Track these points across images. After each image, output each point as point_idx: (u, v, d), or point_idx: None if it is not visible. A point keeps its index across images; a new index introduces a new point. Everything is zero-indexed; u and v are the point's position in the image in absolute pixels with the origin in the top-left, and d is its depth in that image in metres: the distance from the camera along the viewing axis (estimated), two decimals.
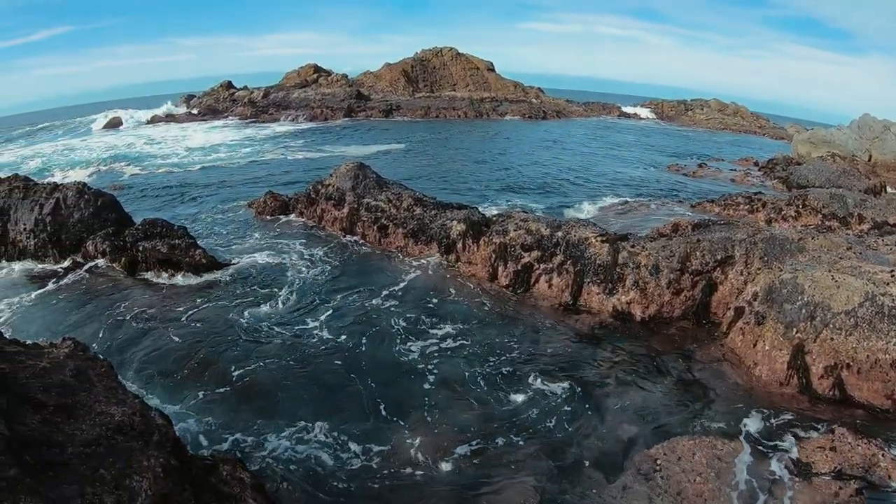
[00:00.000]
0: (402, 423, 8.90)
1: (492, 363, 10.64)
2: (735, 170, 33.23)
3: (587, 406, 9.34)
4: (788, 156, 36.61)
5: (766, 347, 10.00)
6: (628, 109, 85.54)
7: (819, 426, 8.65)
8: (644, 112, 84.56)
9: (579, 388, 9.79)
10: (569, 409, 9.26)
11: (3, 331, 6.39)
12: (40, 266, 15.84)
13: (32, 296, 13.86)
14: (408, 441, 8.48)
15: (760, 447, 8.22)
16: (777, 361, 9.80)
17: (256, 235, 18.68)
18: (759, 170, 32.77)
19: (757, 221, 18.40)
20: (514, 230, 14.36)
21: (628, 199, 23.80)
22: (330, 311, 12.78)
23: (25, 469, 4.27)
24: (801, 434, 8.47)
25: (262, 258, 16.34)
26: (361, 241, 17.70)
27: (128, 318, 12.63)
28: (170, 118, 68.55)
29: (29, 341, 6.34)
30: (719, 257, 12.10)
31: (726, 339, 11.03)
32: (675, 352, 11.08)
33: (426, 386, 9.94)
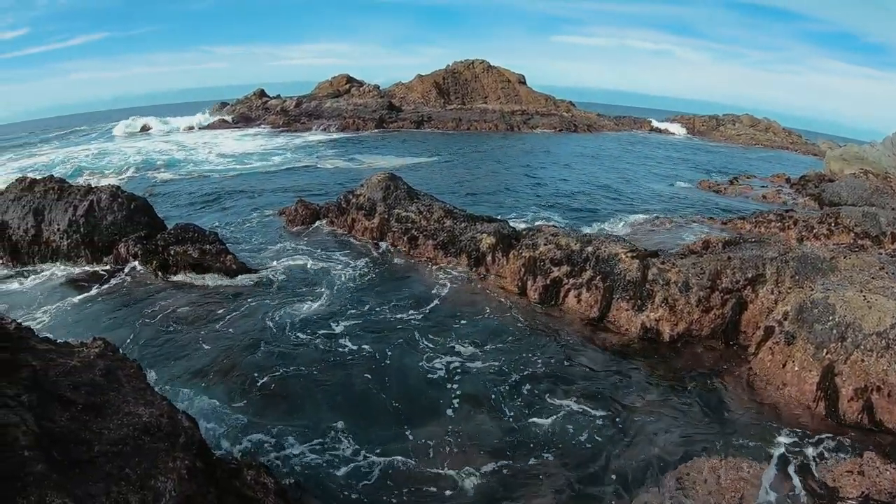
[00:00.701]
0: (427, 437, 8.90)
1: (518, 378, 10.61)
2: (766, 186, 32.88)
3: (613, 424, 9.29)
4: (820, 173, 36.13)
5: (796, 368, 9.91)
6: (660, 124, 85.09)
7: (847, 450, 8.54)
8: (675, 127, 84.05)
9: (606, 406, 9.75)
10: (595, 426, 9.22)
11: (34, 329, 6.47)
12: (77, 269, 16.17)
13: (69, 299, 14.14)
14: (432, 455, 8.50)
15: (786, 470, 8.14)
16: (806, 382, 9.69)
17: (286, 243, 18.91)
18: (791, 187, 32.41)
19: (788, 239, 18.24)
20: (544, 244, 14.42)
21: (659, 215, 23.67)
22: (358, 320, 12.88)
23: (53, 465, 4.37)
24: (829, 457, 8.38)
25: (291, 266, 16.54)
26: (391, 252, 17.82)
27: (157, 321, 12.88)
28: (203, 126, 69.63)
29: (60, 340, 6.46)
30: (750, 275, 12.02)
31: (755, 359, 10.90)
32: (702, 371, 11.00)
33: (451, 399, 9.92)
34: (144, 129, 67.76)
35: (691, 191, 33.10)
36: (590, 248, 13.84)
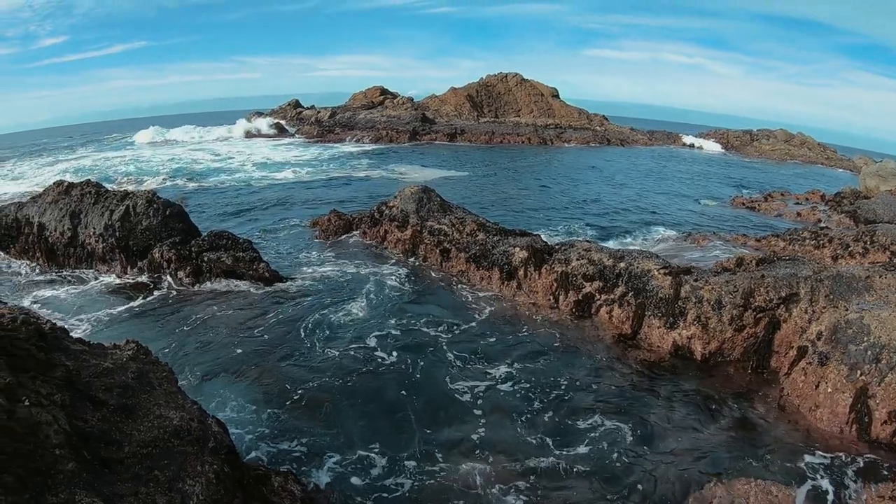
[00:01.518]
0: (456, 451, 8.92)
1: (548, 395, 10.61)
2: (801, 203, 32.56)
3: (643, 443, 9.27)
4: (856, 189, 35.65)
5: (829, 389, 9.82)
6: (693, 139, 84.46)
7: (881, 474, 8.45)
8: (709, 142, 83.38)
9: (636, 425, 9.73)
10: (624, 445, 9.21)
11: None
12: (115, 279, 16.51)
13: (106, 308, 14.42)
14: (460, 470, 8.50)
15: (818, 494, 8.08)
16: (839, 404, 9.60)
17: (319, 253, 19.21)
18: (826, 203, 32.03)
19: (823, 258, 18.10)
20: (577, 259, 14.49)
21: (692, 231, 23.62)
22: (389, 333, 12.98)
23: (83, 464, 4.48)
24: (861, 481, 8.29)
25: (323, 276, 16.76)
26: (423, 264, 17.98)
27: (191, 328, 13.16)
28: (237, 135, 70.70)
29: (93, 341, 6.58)
30: (784, 294, 11.93)
31: (787, 380, 10.81)
32: (734, 390, 10.95)
33: (481, 414, 9.94)
34: (167, 140, 68.98)
35: (725, 207, 32.97)
36: (622, 264, 13.88)
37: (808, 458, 8.84)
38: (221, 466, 5.55)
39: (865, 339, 9.87)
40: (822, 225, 25.57)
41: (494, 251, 16.27)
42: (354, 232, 21.22)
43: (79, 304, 14.52)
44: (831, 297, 11.59)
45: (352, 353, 12.00)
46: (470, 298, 15.11)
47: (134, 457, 4.98)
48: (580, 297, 14.02)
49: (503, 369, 11.50)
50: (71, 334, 6.32)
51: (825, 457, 8.86)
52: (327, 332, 12.92)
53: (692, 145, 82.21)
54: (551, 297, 14.50)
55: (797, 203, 32.67)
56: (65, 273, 17.02)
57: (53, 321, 6.15)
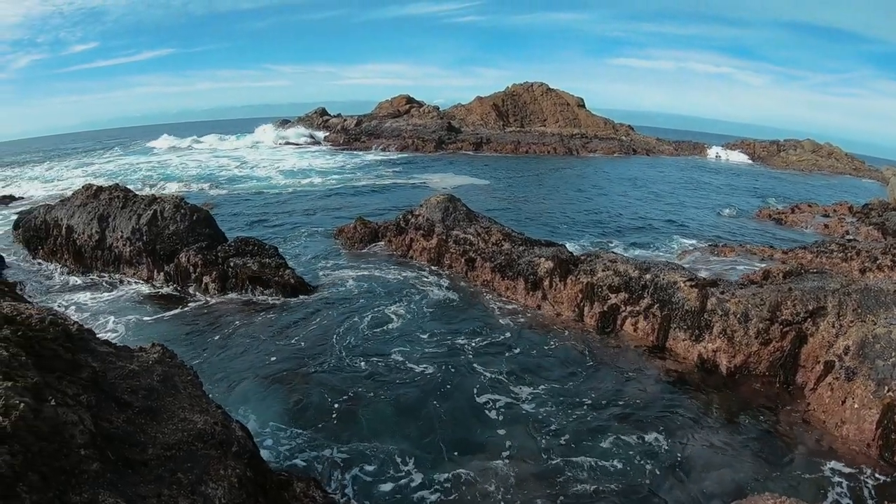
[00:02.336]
0: (481, 462, 8.97)
1: (574, 408, 10.64)
2: (828, 215, 32.24)
3: (667, 457, 9.30)
4: (884, 201, 35.22)
5: (855, 405, 9.80)
6: (719, 150, 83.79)
7: None
8: (735, 153, 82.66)
9: (661, 438, 9.76)
10: (650, 458, 9.23)
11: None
12: (145, 288, 16.77)
13: (134, 314, 14.72)
14: (485, 482, 8.54)
15: None
16: (865, 421, 9.57)
17: (344, 261, 19.47)
18: (854, 215, 31.67)
19: (850, 271, 17.98)
20: (602, 270, 14.57)
21: (718, 243, 23.53)
22: (414, 343, 13.13)
23: (107, 464, 4.49)
24: (888, 500, 8.25)
25: (349, 284, 16.95)
26: (448, 273, 18.11)
27: (217, 335, 13.46)
28: (264, 142, 71.94)
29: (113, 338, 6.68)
30: (811, 308, 11.92)
31: (813, 395, 10.81)
32: (759, 405, 10.95)
33: (507, 429, 9.94)
34: (192, 147, 70.53)
35: (751, 218, 32.77)
36: (648, 276, 13.94)
37: (834, 474, 8.85)
38: (244, 471, 5.61)
39: (893, 354, 9.84)
40: (850, 237, 25.33)
41: (520, 261, 16.40)
42: (380, 241, 21.42)
43: (106, 310, 14.82)
44: (859, 310, 11.57)
45: (380, 363, 12.14)
46: (495, 309, 15.24)
47: (157, 459, 5.00)
48: (605, 309, 14.10)
49: (529, 382, 11.55)
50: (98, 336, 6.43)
51: (852, 473, 8.87)
52: (353, 342, 13.09)
53: (718, 156, 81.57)
54: (576, 309, 14.59)
55: (824, 215, 32.36)
56: (93, 277, 17.47)
57: (80, 323, 6.25)
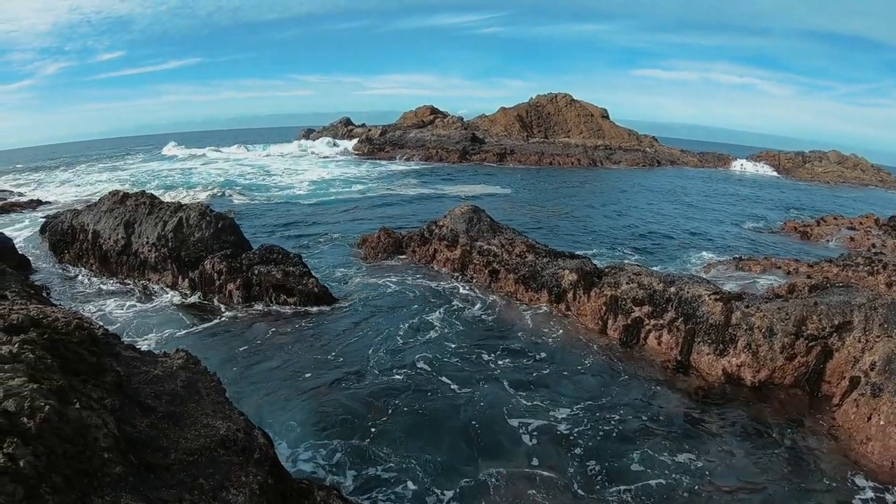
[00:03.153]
0: (509, 478, 8.87)
1: (601, 426, 10.50)
2: (854, 228, 31.78)
3: (694, 472, 9.19)
4: None
5: (881, 422, 9.61)
6: (744, 161, 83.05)
7: None
8: (760, 164, 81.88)
9: (687, 453, 9.65)
10: (676, 474, 9.12)
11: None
12: (171, 298, 16.92)
13: (165, 320, 14.99)
14: (511, 499, 8.43)
15: None
16: (892, 438, 9.38)
17: (368, 270, 19.51)
18: (880, 228, 31.13)
19: (877, 285, 17.70)
20: (627, 283, 14.47)
21: (742, 256, 23.27)
22: (438, 355, 13.06)
23: (129, 468, 4.50)
24: None
25: (373, 294, 16.98)
26: (472, 284, 18.04)
27: (243, 342, 13.55)
28: (288, 151, 72.78)
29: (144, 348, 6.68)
30: (837, 322, 11.74)
31: (839, 411, 10.65)
32: (784, 420, 10.80)
33: (536, 441, 9.87)
34: (212, 155, 71.25)
35: (776, 231, 32.44)
36: (672, 289, 13.82)
37: (859, 492, 8.71)
38: (266, 478, 5.57)
39: None
40: (877, 250, 24.98)
41: (544, 273, 16.35)
42: (404, 251, 21.44)
43: (132, 318, 14.98)
44: (886, 325, 11.40)
45: (406, 374, 12.13)
46: (519, 320, 15.16)
47: (180, 464, 5.01)
48: (629, 322, 13.99)
49: (558, 397, 11.44)
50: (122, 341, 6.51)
51: (878, 491, 8.71)
52: (380, 353, 13.08)
53: (743, 168, 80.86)
54: (600, 321, 14.50)
55: (850, 228, 31.87)
56: (118, 282, 17.69)
57: (106, 327, 6.34)
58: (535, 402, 11.15)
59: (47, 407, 4.17)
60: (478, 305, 16.34)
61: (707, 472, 9.20)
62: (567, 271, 15.72)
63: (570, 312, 15.34)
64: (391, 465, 9.03)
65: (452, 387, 11.64)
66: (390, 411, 10.66)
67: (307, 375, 11.96)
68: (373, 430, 10.00)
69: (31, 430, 3.96)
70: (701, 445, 9.94)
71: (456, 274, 18.79)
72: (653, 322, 13.72)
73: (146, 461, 4.82)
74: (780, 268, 20.68)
